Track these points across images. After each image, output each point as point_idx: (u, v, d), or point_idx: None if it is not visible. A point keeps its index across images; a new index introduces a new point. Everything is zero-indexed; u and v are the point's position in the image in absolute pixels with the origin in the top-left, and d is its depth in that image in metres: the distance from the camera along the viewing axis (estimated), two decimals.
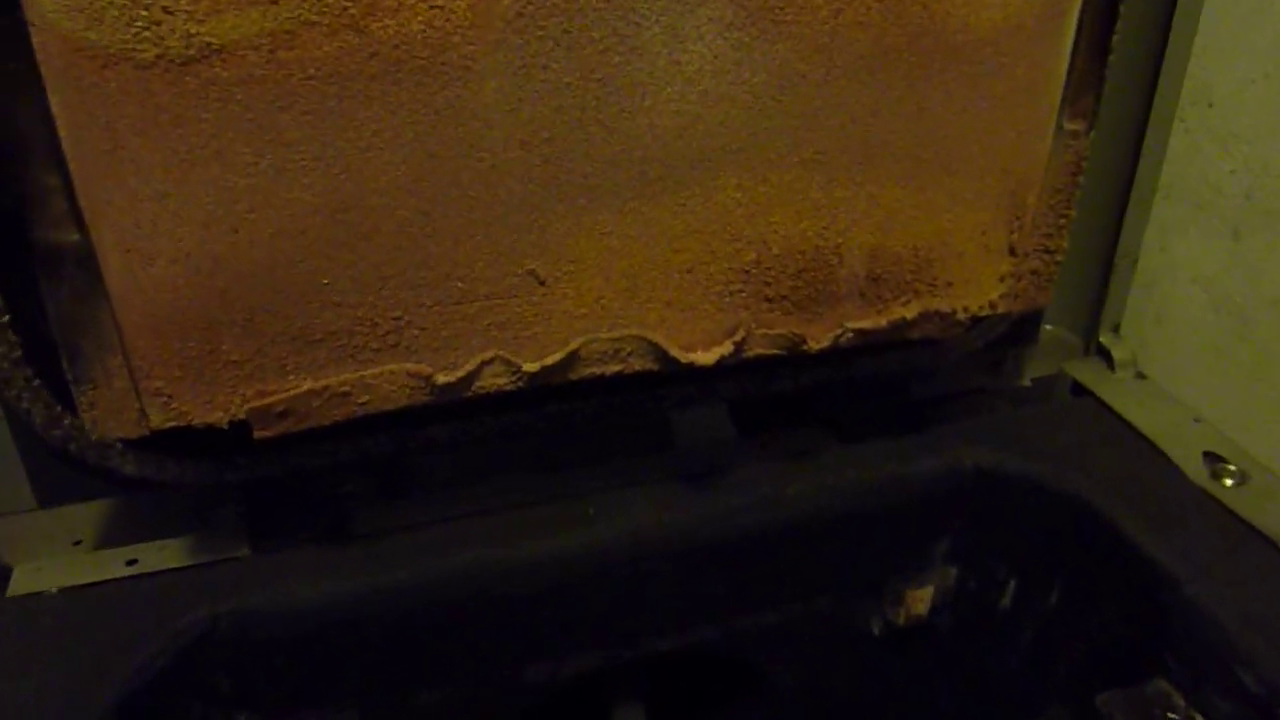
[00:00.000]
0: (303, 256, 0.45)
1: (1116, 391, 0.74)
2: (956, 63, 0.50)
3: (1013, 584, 0.70)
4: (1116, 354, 0.76)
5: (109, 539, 0.62)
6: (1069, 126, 0.56)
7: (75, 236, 0.42)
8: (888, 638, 0.71)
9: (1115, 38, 0.54)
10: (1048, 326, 0.79)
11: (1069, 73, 0.54)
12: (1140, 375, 0.76)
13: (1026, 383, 0.79)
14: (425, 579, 0.59)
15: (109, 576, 0.58)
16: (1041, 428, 0.72)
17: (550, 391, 0.55)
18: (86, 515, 0.63)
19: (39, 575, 0.59)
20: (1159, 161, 0.70)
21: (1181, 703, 0.58)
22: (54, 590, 0.57)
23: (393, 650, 0.59)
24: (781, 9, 0.46)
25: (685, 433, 0.72)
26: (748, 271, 0.52)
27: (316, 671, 0.59)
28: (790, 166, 0.50)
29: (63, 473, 0.53)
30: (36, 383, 0.49)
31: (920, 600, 0.68)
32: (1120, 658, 0.64)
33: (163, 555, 0.60)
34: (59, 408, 0.50)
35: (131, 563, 0.59)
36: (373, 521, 0.61)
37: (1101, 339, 0.78)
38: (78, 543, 0.63)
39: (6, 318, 0.47)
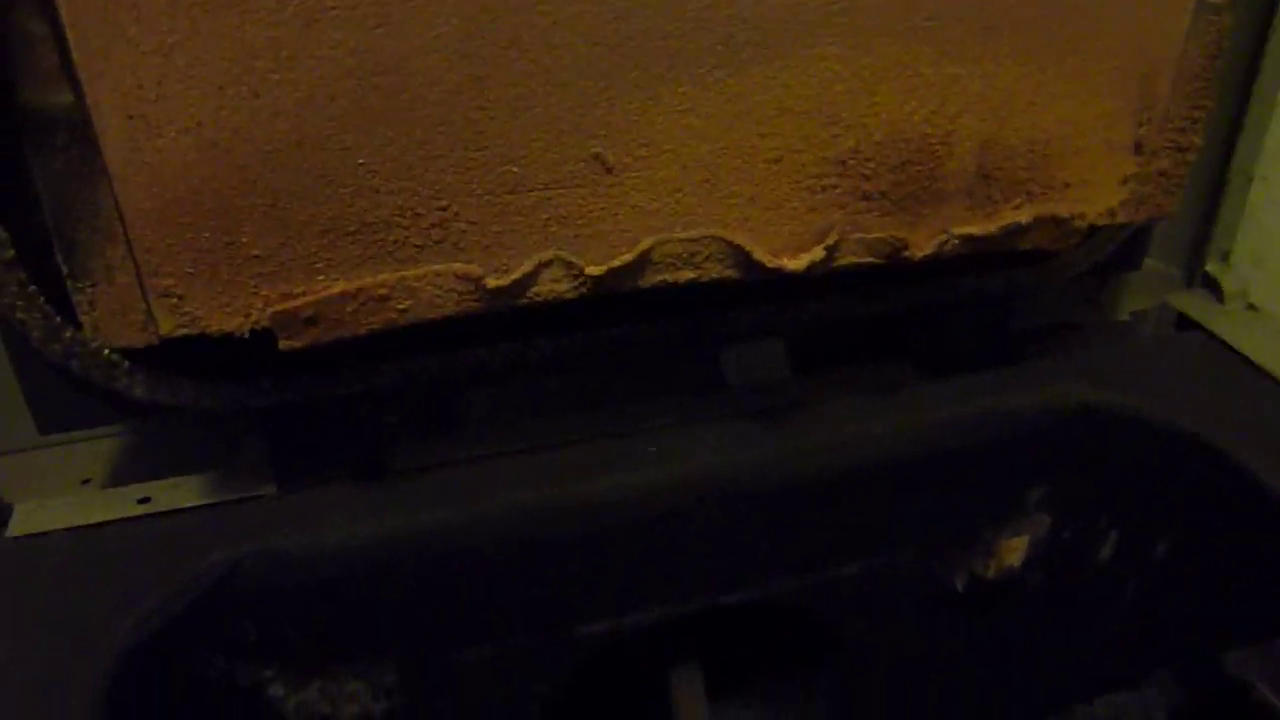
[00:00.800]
0: (334, 129, 0.38)
1: (1227, 324, 0.67)
2: None
3: (1114, 534, 0.63)
4: (1226, 284, 0.69)
5: (119, 476, 0.56)
6: (1212, 0, 0.48)
7: (68, 98, 0.35)
8: (973, 594, 0.64)
9: None
10: (1148, 258, 0.72)
11: None
12: (1251, 306, 0.68)
13: (1125, 317, 0.71)
14: (470, 522, 0.53)
15: (118, 516, 0.52)
16: (1147, 363, 0.65)
17: (611, 307, 0.48)
18: (94, 450, 0.57)
19: (42, 514, 0.53)
20: None
21: None
22: (58, 530, 0.52)
23: (433, 601, 0.53)
24: None
25: (741, 368, 0.66)
26: (844, 162, 0.45)
27: (349, 623, 0.52)
28: (899, 35, 0.43)
29: (66, 399, 0.47)
30: (32, 289, 0.43)
31: (1013, 550, 0.61)
32: (1245, 613, 0.57)
33: (178, 493, 0.54)
34: (58, 319, 0.44)
35: (144, 501, 0.53)
36: (412, 457, 0.55)
37: (1209, 269, 0.70)
38: (86, 481, 0.57)
39: None
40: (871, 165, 0.45)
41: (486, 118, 0.39)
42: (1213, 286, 0.70)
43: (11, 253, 0.42)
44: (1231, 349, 0.65)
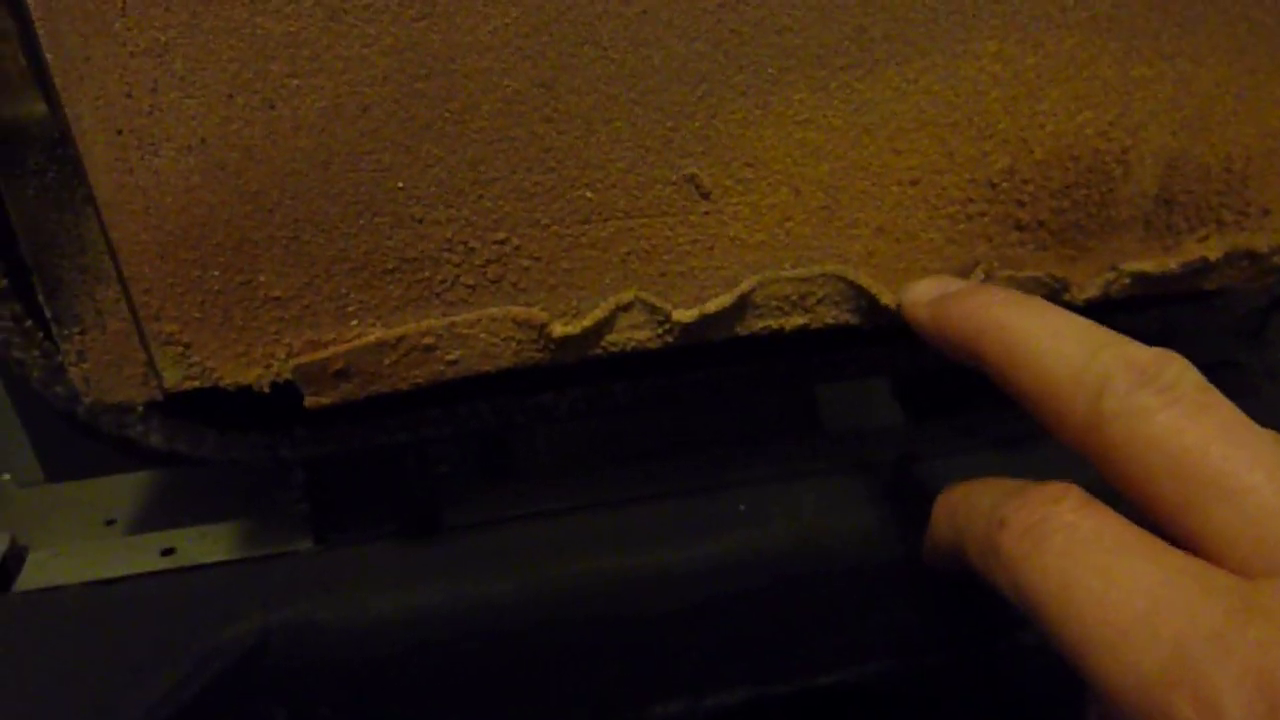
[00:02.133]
0: (367, 147, 0.31)
1: None
2: None
3: None
4: None
5: (143, 518, 0.50)
6: None
7: (40, 109, 0.29)
8: None
9: None
10: None
11: None
12: None
13: None
14: (531, 592, 0.46)
15: (139, 570, 0.46)
16: None
17: (701, 350, 0.41)
18: (119, 487, 0.52)
19: (56, 564, 0.47)
20: None
21: None
22: (73, 584, 0.46)
23: (487, 681, 0.46)
24: None
25: (842, 413, 0.57)
26: (996, 185, 0.36)
27: (391, 706, 0.46)
28: (1075, 27, 0.34)
29: (68, 447, 0.41)
30: (28, 323, 0.37)
31: None
32: None
33: (205, 544, 0.48)
34: (60, 358, 0.38)
35: (167, 552, 0.47)
36: (466, 512, 0.48)
37: None
38: (111, 521, 0.51)
39: None
40: (1029, 189, 0.36)
41: (554, 132, 0.32)
42: None
43: (4, 282, 0.36)
44: None
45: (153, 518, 0.51)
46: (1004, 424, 0.54)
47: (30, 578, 0.47)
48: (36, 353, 0.38)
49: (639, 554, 0.47)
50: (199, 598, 0.45)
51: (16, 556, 0.48)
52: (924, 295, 0.34)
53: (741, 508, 0.48)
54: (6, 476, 0.54)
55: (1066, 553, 0.26)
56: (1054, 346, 0.29)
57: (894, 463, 0.50)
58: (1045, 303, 0.32)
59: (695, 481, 0.50)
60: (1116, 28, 0.34)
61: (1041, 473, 0.49)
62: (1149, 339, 0.52)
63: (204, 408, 0.40)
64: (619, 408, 0.45)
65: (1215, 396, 0.28)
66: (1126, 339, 0.30)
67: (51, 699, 0.42)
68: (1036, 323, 0.30)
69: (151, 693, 0.42)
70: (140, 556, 0.47)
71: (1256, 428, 0.27)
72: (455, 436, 0.45)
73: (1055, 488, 0.29)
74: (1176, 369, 0.28)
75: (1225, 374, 0.60)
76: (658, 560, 0.47)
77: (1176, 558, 0.25)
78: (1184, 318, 0.50)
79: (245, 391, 0.36)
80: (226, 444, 0.41)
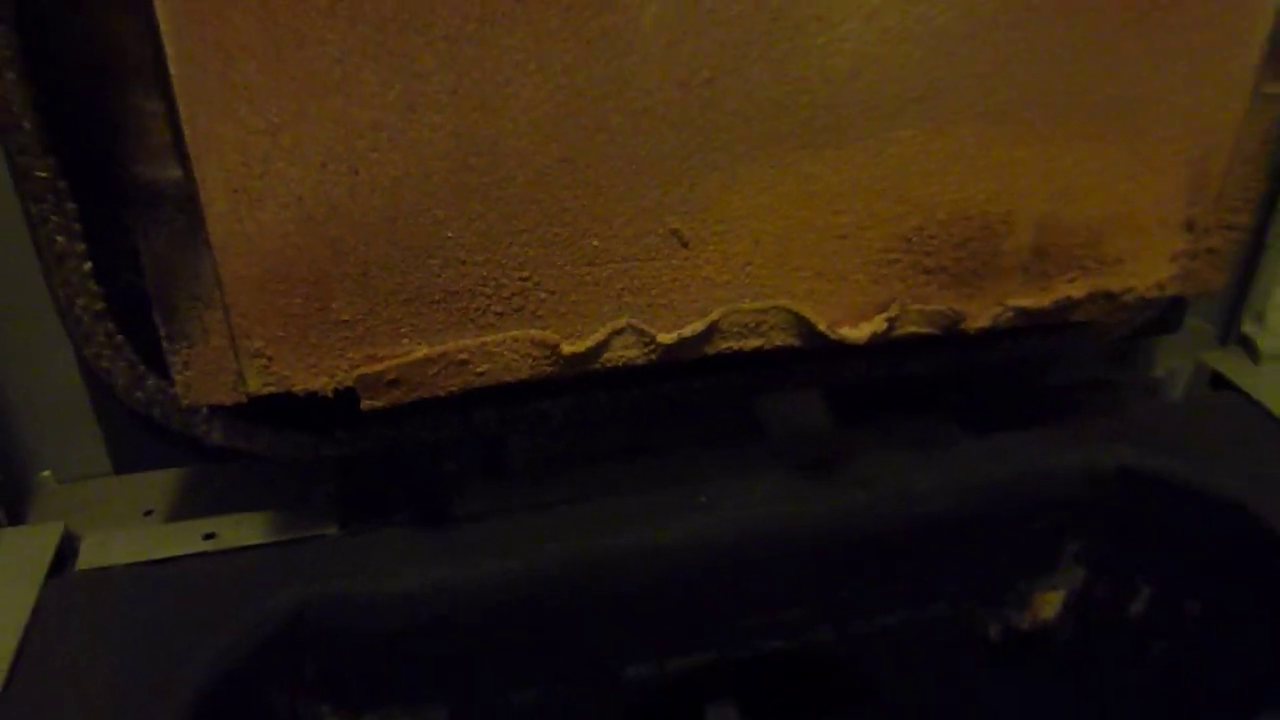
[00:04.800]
0: (427, 205, 0.39)
1: (1264, 385, 0.68)
2: (1159, 9, 0.44)
3: (1146, 590, 0.64)
4: (1261, 344, 0.70)
5: (181, 510, 0.57)
6: (1267, 89, 0.50)
7: (176, 173, 0.37)
8: (1006, 644, 0.66)
9: None
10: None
11: (1273, 31, 0.48)
12: None
13: (1159, 374, 0.72)
14: (526, 570, 0.54)
15: (185, 551, 0.54)
16: (1183, 424, 0.66)
17: (674, 367, 0.50)
18: (160, 482, 0.59)
19: (109, 548, 0.54)
20: None
21: None
22: (126, 564, 0.53)
23: (488, 646, 0.55)
24: None
25: (781, 419, 0.67)
26: (909, 239, 0.46)
27: (406, 665, 0.54)
28: (972, 119, 0.44)
29: (140, 439, 0.48)
30: (119, 338, 0.45)
31: (1048, 604, 0.63)
32: (1276, 678, 0.58)
33: (242, 530, 0.55)
34: (143, 368, 0.46)
35: (209, 536, 0.55)
36: (471, 503, 0.56)
37: (1244, 328, 0.71)
38: (149, 513, 0.58)
39: (88, 265, 0.42)
40: (935, 242, 0.47)
41: (571, 196, 0.41)
42: (1248, 346, 0.71)
43: (102, 305, 0.44)
44: (1268, 412, 0.66)
45: (186, 509, 0.58)
46: (918, 426, 0.65)
47: (87, 560, 0.54)
48: (123, 364, 0.46)
49: (614, 538, 0.55)
50: (241, 575, 0.53)
51: (70, 542, 0.55)
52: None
53: (702, 499, 0.57)
54: (47, 473, 0.60)
55: None
56: None
57: (825, 459, 0.60)
58: None
59: (662, 478, 0.59)
60: (1003, 121, 0.45)
61: (953, 469, 0.59)
62: (1030, 363, 0.63)
63: (253, 414, 0.48)
64: (602, 415, 0.54)
65: None
66: None
67: (113, 665, 0.49)
68: None
69: (212, 654, 0.49)
70: (185, 540, 0.54)
71: None
72: (463, 439, 0.53)
73: None
74: None
75: (1101, 390, 0.71)
76: (630, 543, 0.56)
77: None
78: (1063, 344, 0.61)
79: (299, 400, 0.44)
80: (277, 442, 0.49)
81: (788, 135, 0.42)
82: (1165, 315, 0.63)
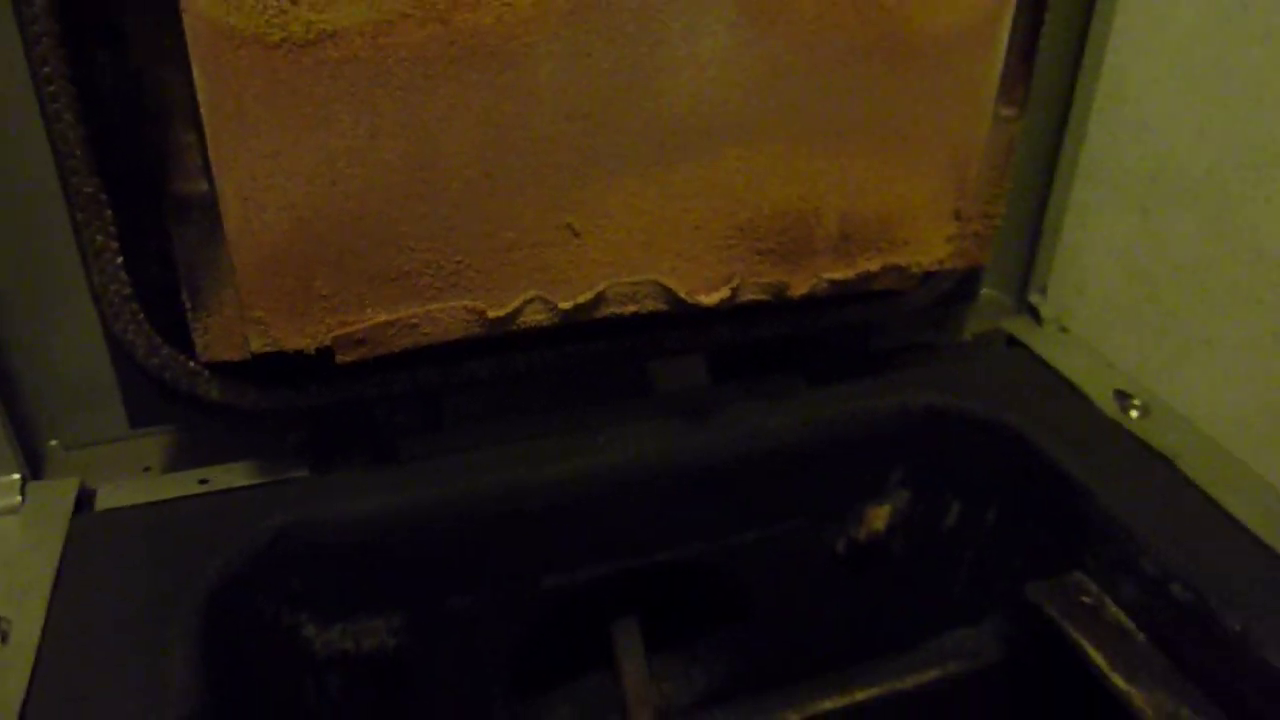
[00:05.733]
0: (386, 208, 0.54)
1: (1043, 343, 0.86)
2: (915, 59, 0.62)
3: (956, 505, 0.82)
4: (1043, 311, 0.88)
5: (178, 464, 0.70)
6: (1003, 113, 0.67)
7: (204, 187, 0.51)
8: (850, 555, 0.82)
9: (1041, 41, 0.65)
10: (986, 290, 0.91)
11: (1004, 68, 0.66)
12: (1063, 329, 0.88)
13: (968, 337, 0.91)
14: (460, 497, 0.69)
15: (185, 493, 0.66)
16: (980, 374, 0.83)
17: (570, 331, 0.65)
18: (156, 445, 0.71)
19: (122, 493, 0.67)
20: (1078, 147, 0.82)
21: (1094, 588, 0.70)
22: (139, 504, 0.66)
23: (432, 561, 0.69)
24: (775, 12, 0.56)
25: (668, 379, 0.83)
26: (743, 229, 0.62)
27: (368, 577, 0.67)
28: (780, 141, 0.60)
29: (149, 402, 0.61)
30: (141, 316, 0.58)
31: (879, 517, 0.79)
32: (1048, 561, 0.76)
33: (230, 475, 0.68)
34: (159, 340, 0.59)
35: (203, 482, 0.67)
36: (416, 449, 0.70)
37: (1031, 299, 0.90)
38: (147, 469, 0.71)
39: (120, 259, 0.56)
40: (762, 231, 0.63)
41: (492, 199, 0.56)
42: (1033, 313, 0.90)
43: (129, 290, 0.57)
44: (1045, 362, 0.84)
45: (181, 463, 0.70)
46: (771, 383, 0.81)
47: (103, 504, 0.66)
48: (144, 337, 0.59)
49: (531, 471, 0.70)
50: (231, 509, 0.66)
51: (86, 491, 0.67)
52: None
53: (600, 439, 0.73)
54: (54, 442, 0.72)
55: None
56: None
57: (699, 408, 0.76)
58: None
59: (569, 425, 0.74)
60: (804, 142, 0.61)
61: (798, 412, 0.75)
62: (858, 325, 0.80)
63: (244, 375, 0.61)
64: (520, 373, 0.69)
65: None
66: None
67: (135, 582, 0.61)
68: None
69: (207, 574, 0.62)
70: (183, 486, 0.67)
71: None
72: (410, 395, 0.68)
73: None
74: None
75: (921, 351, 0.89)
76: (545, 476, 0.70)
77: None
78: (881, 311, 0.78)
79: (278, 364, 0.58)
80: (262, 396, 0.63)
81: (648, 154, 0.58)
82: (959, 289, 0.81)
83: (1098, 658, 0.66)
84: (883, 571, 0.85)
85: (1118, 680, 0.64)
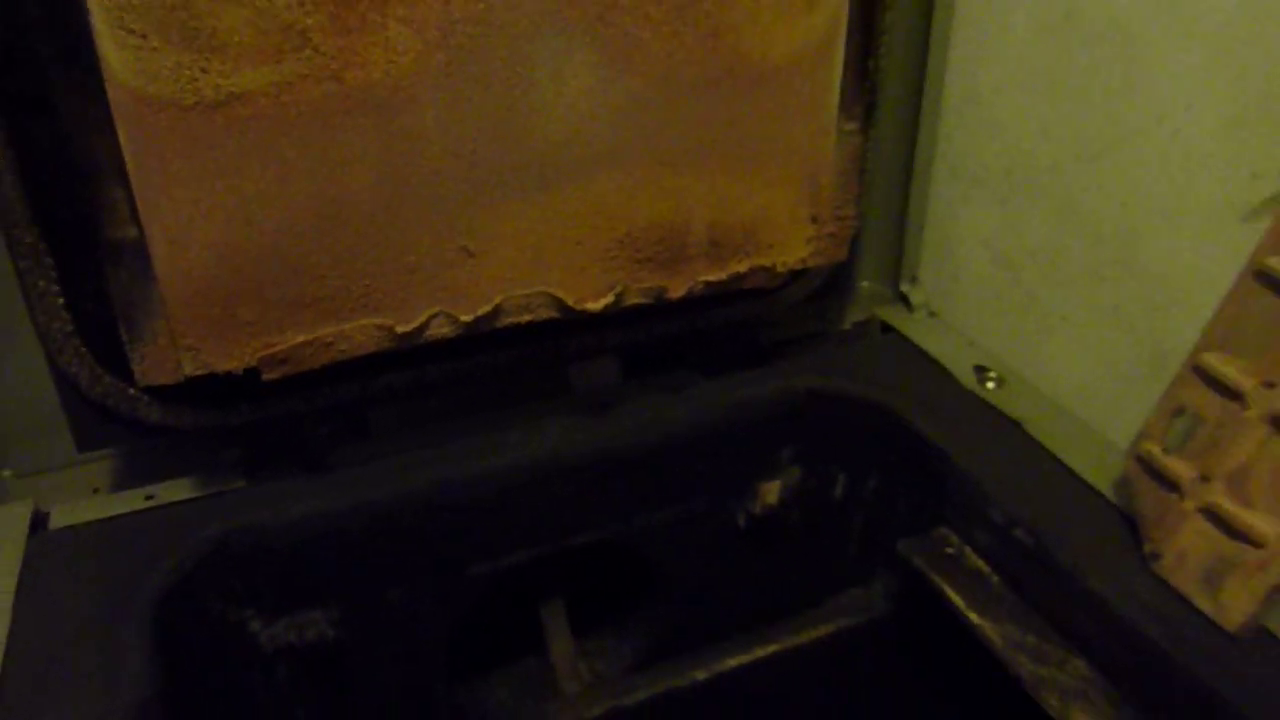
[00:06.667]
0: (297, 242, 0.61)
1: (913, 327, 0.96)
2: (760, 85, 0.70)
3: (842, 477, 0.91)
4: (914, 299, 0.98)
5: (125, 484, 0.76)
6: (846, 128, 0.77)
7: (134, 233, 0.58)
8: (751, 528, 0.91)
9: (871, 63, 0.75)
10: (865, 282, 1.01)
11: (842, 89, 0.75)
12: (932, 314, 0.98)
13: (848, 326, 1.00)
14: (388, 497, 0.76)
15: (133, 509, 0.73)
16: (858, 358, 0.93)
17: (480, 342, 0.73)
18: (104, 468, 0.78)
19: (73, 514, 0.73)
20: (935, 147, 0.92)
21: (956, 540, 0.79)
22: (91, 520, 0.72)
23: (365, 556, 0.76)
24: (630, 53, 0.65)
25: (584, 379, 0.91)
26: (622, 241, 0.71)
27: (306, 575, 0.74)
28: (647, 163, 0.69)
29: (95, 427, 0.68)
30: (84, 350, 0.65)
31: (771, 491, 0.88)
32: (920, 520, 0.86)
33: (173, 490, 0.75)
34: (100, 370, 0.66)
35: (149, 497, 0.74)
36: (344, 457, 0.77)
37: (902, 288, 0.99)
38: (96, 490, 0.77)
39: (61, 300, 0.63)
40: (640, 242, 0.71)
41: (392, 229, 0.64)
42: (906, 301, 0.99)
43: (71, 327, 0.64)
44: (915, 345, 0.94)
45: (127, 483, 0.77)
46: (671, 377, 0.89)
47: (57, 523, 0.72)
48: (87, 368, 0.66)
49: (453, 469, 0.77)
50: (177, 520, 0.72)
51: (40, 514, 0.73)
52: None
53: (515, 437, 0.80)
54: (8, 472, 0.78)
55: None
56: None
57: (608, 404, 0.84)
58: None
59: (485, 426, 0.82)
60: (669, 163, 0.70)
61: (694, 402, 0.83)
62: (743, 322, 0.89)
63: (180, 398, 0.68)
64: (435, 382, 0.76)
65: None
66: None
67: (91, 588, 0.67)
68: None
69: (156, 578, 0.69)
70: (131, 502, 0.74)
71: None
72: (334, 408, 0.75)
73: None
74: None
75: (806, 340, 0.98)
76: (465, 471, 0.78)
77: None
78: (760, 308, 0.87)
79: (213, 387, 0.65)
80: (196, 416, 0.70)
81: (529, 181, 0.66)
82: (831, 283, 0.90)
83: (956, 599, 0.75)
84: (782, 541, 0.93)
85: (972, 616, 0.74)
